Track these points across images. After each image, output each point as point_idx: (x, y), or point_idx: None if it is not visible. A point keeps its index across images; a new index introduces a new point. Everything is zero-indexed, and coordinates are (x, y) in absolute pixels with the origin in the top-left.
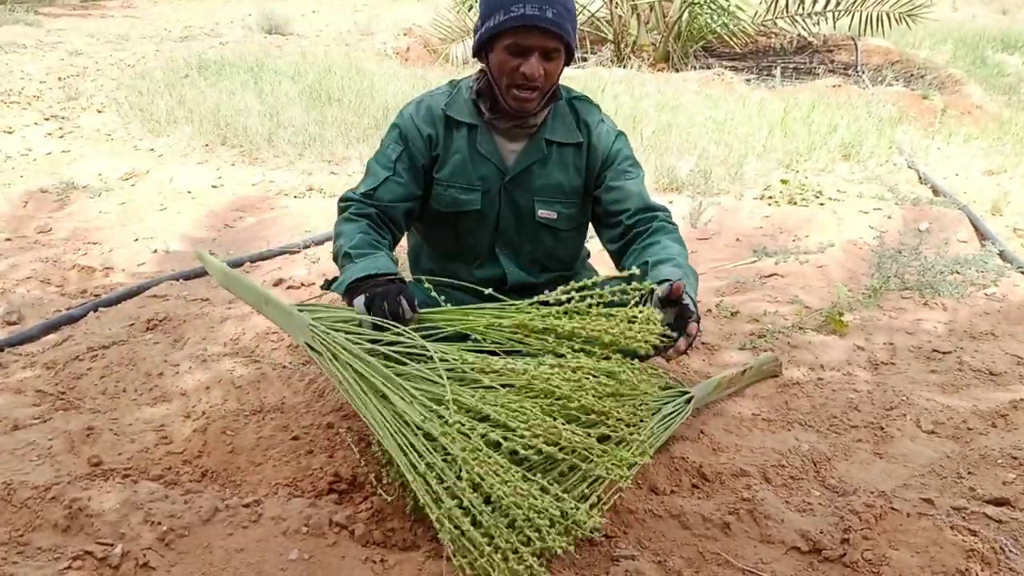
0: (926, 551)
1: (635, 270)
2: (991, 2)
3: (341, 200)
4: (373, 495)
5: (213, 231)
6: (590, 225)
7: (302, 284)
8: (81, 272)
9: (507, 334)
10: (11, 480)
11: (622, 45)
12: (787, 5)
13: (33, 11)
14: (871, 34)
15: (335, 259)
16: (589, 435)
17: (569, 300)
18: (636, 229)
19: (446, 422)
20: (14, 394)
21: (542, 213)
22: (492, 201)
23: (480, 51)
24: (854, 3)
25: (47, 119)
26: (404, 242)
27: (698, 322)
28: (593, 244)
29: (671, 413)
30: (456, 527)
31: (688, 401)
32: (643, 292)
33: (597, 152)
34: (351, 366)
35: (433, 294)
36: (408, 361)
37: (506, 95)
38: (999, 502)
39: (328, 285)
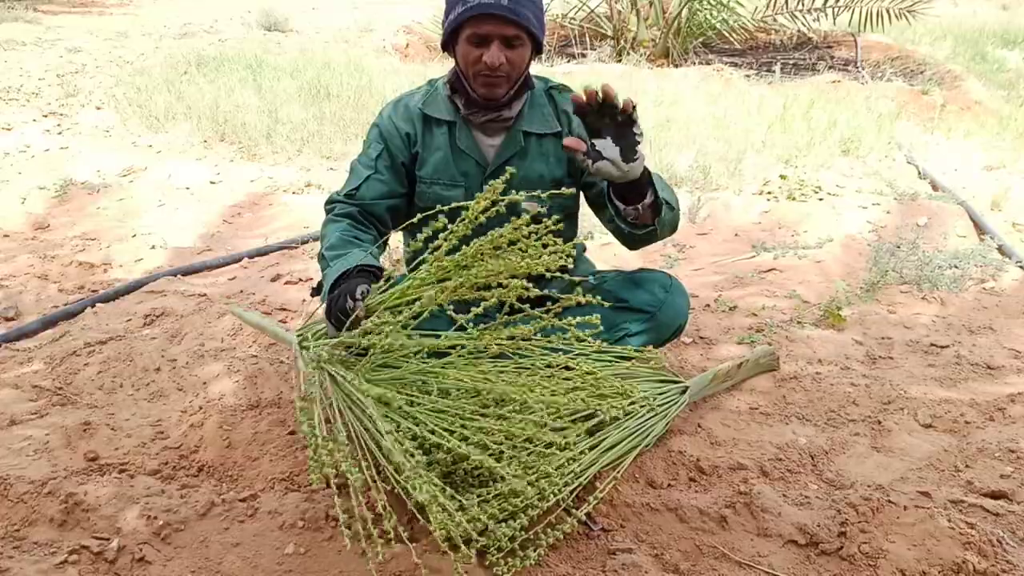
0: (923, 544)
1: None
2: None
3: (327, 203)
4: (370, 489)
5: (211, 227)
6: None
7: (300, 279)
8: (79, 268)
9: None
10: (8, 475)
11: (621, 41)
12: (787, 1)
13: (32, 8)
14: (871, 30)
15: (319, 261)
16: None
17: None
18: None
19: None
20: (11, 389)
21: (525, 206)
22: (475, 197)
23: (447, 45)
24: None
25: (46, 116)
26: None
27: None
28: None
29: (665, 404)
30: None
31: (683, 392)
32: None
33: None
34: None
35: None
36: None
37: (474, 84)
38: (996, 495)
39: (316, 291)
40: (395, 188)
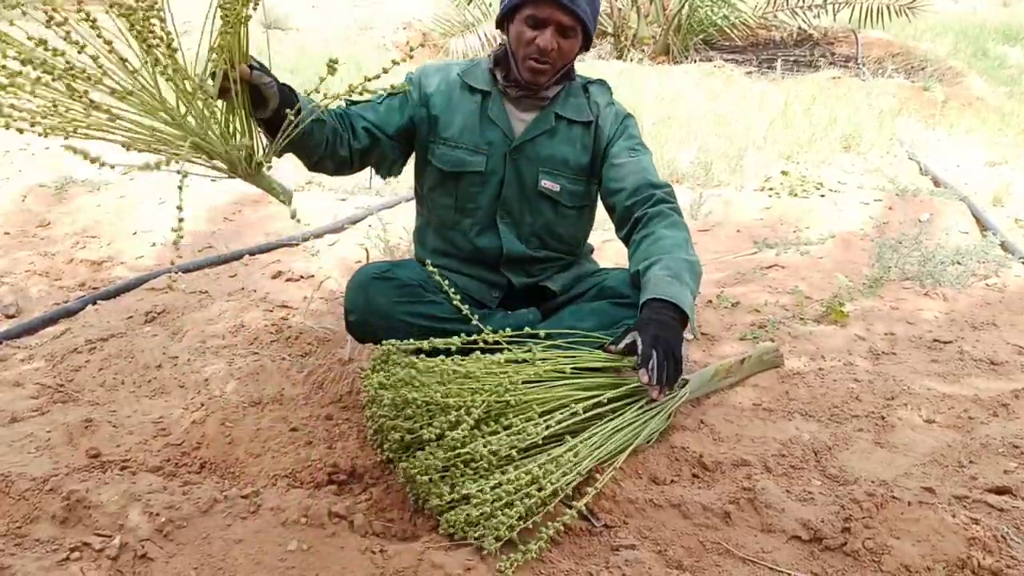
0: (927, 540)
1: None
2: None
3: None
4: (372, 486)
5: (212, 224)
6: (594, 219)
7: (301, 276)
8: (80, 265)
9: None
10: (9, 472)
11: (622, 38)
12: None
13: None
14: (871, 27)
15: None
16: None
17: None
18: (636, 214)
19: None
20: (12, 386)
21: (545, 183)
22: (496, 166)
23: (502, 21)
24: None
25: None
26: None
27: (657, 359)
28: (595, 235)
29: (665, 398)
30: None
31: (682, 386)
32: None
33: (603, 132)
34: None
35: (437, 278)
36: None
37: (521, 66)
38: (1000, 491)
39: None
40: (383, 122)
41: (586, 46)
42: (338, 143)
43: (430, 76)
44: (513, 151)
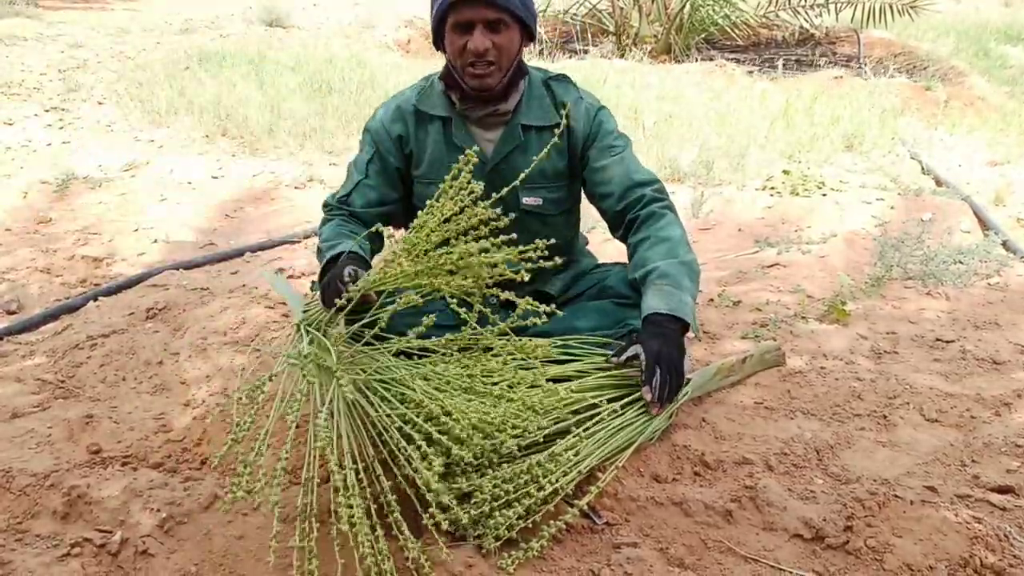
0: (929, 538)
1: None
2: None
3: (323, 205)
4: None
5: (213, 221)
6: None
7: (302, 274)
8: (81, 262)
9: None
10: (10, 467)
11: (623, 37)
12: None
13: (33, 4)
14: (873, 26)
15: (317, 256)
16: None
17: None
18: (628, 216)
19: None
20: (14, 382)
21: (527, 200)
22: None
23: (438, 41)
24: None
25: (47, 111)
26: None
27: (660, 377)
28: (594, 234)
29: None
30: None
31: (684, 386)
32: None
33: (577, 133)
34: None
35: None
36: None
37: (464, 76)
38: (1003, 490)
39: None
40: (386, 194)
41: (530, 36)
42: (372, 240)
43: (389, 119)
44: (488, 174)
